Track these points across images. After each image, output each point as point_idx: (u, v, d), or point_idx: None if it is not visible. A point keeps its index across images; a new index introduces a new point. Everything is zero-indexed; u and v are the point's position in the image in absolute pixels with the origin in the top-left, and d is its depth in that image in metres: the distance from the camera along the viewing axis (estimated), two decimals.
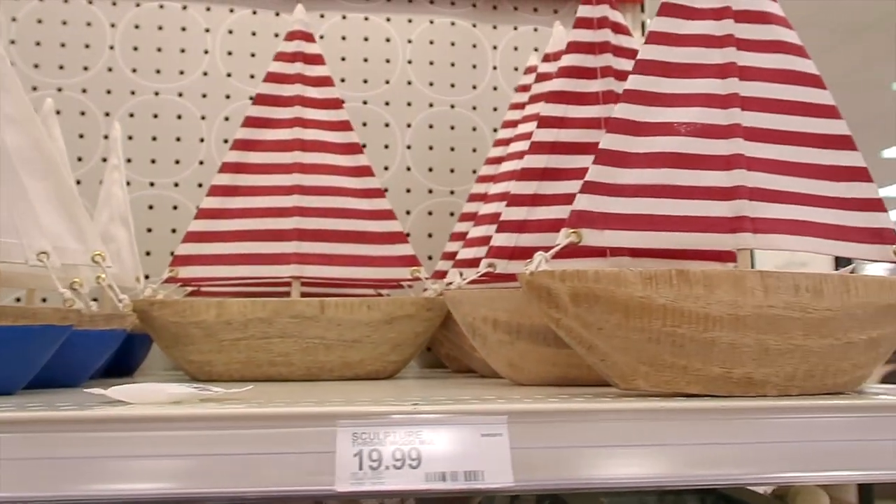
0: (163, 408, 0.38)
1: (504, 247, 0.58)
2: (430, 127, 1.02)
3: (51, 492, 0.34)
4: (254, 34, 1.00)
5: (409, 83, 1.02)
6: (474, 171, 0.93)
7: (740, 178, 0.48)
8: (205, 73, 0.99)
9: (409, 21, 1.03)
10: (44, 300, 0.78)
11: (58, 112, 0.75)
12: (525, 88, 0.84)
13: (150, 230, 0.94)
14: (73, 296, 0.52)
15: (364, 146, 0.78)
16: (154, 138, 0.97)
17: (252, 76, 0.99)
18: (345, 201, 0.71)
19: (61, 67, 0.95)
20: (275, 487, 0.36)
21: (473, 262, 0.62)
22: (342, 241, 0.70)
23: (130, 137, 0.95)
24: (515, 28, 1.05)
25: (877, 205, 0.51)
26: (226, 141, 0.95)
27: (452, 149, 1.02)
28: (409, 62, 1.02)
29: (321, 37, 1.00)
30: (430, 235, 0.99)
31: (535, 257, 0.45)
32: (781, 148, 0.50)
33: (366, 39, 1.02)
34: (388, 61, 1.02)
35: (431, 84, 1.03)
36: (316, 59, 0.75)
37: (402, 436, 0.38)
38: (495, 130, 0.95)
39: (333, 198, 0.71)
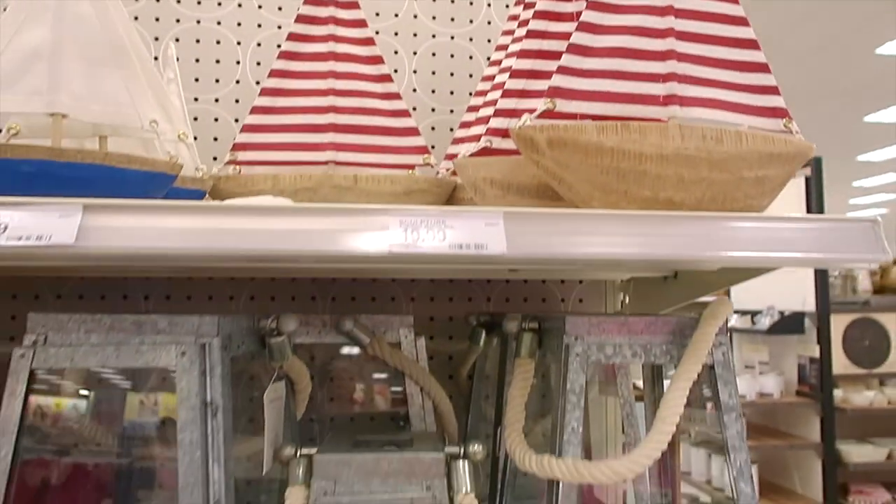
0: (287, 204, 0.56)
1: (499, 128, 0.76)
2: (433, 55, 1.19)
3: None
4: None
5: (415, 17, 1.19)
6: (470, 94, 1.10)
7: (672, 67, 0.66)
8: (239, 5, 1.14)
9: None
10: None
11: None
12: (514, 18, 1.01)
13: (195, 138, 1.10)
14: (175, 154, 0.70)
15: None
16: (197, 60, 1.13)
17: (280, 8, 1.14)
18: (369, 102, 0.88)
19: None
20: (353, 249, 0.54)
21: (476, 138, 0.80)
22: (367, 134, 0.88)
23: (177, 59, 1.11)
24: None
25: (774, 90, 0.69)
26: (259, 63, 1.12)
27: (452, 74, 1.19)
28: None
29: None
30: (433, 147, 1.16)
31: (522, 117, 0.63)
32: (704, 46, 0.68)
33: None
34: None
35: (434, 18, 1.19)
36: None
37: (432, 223, 0.56)
38: (489, 59, 1.12)
39: (360, 99, 0.88)
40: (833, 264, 0.61)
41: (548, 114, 0.64)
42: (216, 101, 1.13)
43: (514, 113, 0.76)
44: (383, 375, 0.96)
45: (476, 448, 0.63)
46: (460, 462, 0.62)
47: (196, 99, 1.13)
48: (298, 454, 0.62)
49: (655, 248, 0.58)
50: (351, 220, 0.55)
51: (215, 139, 1.12)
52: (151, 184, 0.67)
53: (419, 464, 0.59)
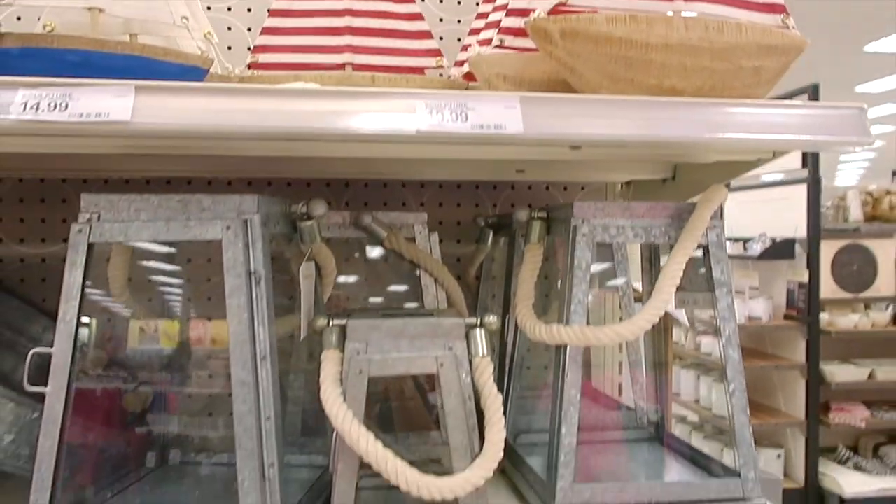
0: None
1: (511, 27, 0.80)
2: None
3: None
4: None
5: None
6: (477, 3, 1.12)
7: None
8: None
9: None
10: None
11: None
12: None
13: None
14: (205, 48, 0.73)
15: None
16: None
17: None
18: (384, 5, 0.91)
19: None
20: (383, 129, 0.59)
21: (488, 42, 0.84)
22: (383, 37, 0.91)
23: None
24: None
25: None
26: None
27: None
28: None
29: None
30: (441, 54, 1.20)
31: (536, 10, 0.67)
32: None
33: None
34: None
35: None
36: None
37: (455, 105, 0.61)
38: None
39: (375, 2, 0.91)
40: (822, 147, 0.66)
41: (559, 8, 0.68)
42: (229, 9, 1.15)
43: (526, 12, 0.80)
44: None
45: (491, 319, 0.69)
46: (477, 330, 0.68)
47: (209, 8, 1.15)
48: (331, 323, 0.69)
49: (659, 130, 0.63)
50: (381, 102, 0.60)
51: (229, 48, 1.14)
52: (185, 76, 0.71)
53: (441, 327, 0.66)
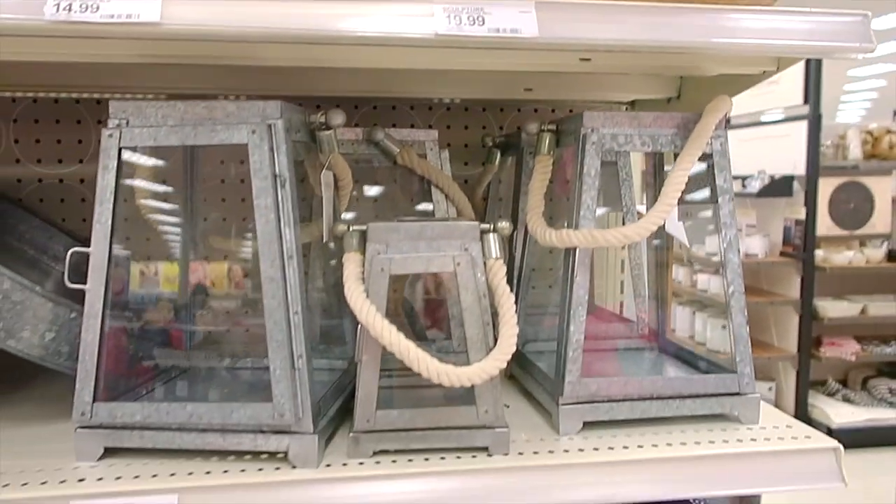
0: None
1: None
2: None
3: None
4: None
5: None
6: None
7: None
8: None
9: None
10: None
11: None
12: None
13: None
14: None
15: None
16: None
17: None
18: None
19: None
20: (403, 32, 0.61)
21: None
22: None
23: None
24: None
25: None
26: None
27: None
28: None
29: None
30: None
31: None
32: None
33: None
34: None
35: None
36: None
37: (472, 10, 0.63)
38: None
39: None
40: (827, 53, 0.68)
41: None
42: None
43: None
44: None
45: (504, 224, 0.72)
46: (491, 234, 0.72)
47: None
48: (351, 228, 0.72)
49: (668, 35, 0.65)
50: (401, 6, 0.61)
51: None
52: None
53: (458, 229, 0.69)
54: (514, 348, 0.68)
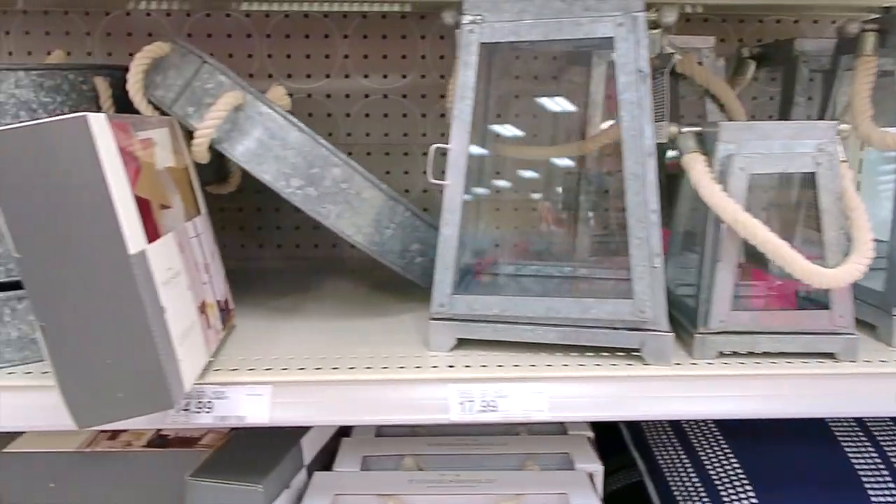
0: None
1: None
2: None
3: None
4: None
5: None
6: None
7: None
8: None
9: None
10: None
11: None
12: None
13: None
14: None
15: None
16: None
17: None
18: None
19: None
20: None
21: None
22: None
23: None
24: None
25: None
26: None
27: None
28: None
29: None
30: None
31: None
32: None
33: None
34: None
35: None
36: None
37: None
38: None
39: None
40: None
41: None
42: None
43: None
44: None
45: (845, 126, 0.69)
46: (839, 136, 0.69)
47: None
48: (683, 130, 0.71)
49: None
50: None
51: None
52: None
53: (816, 129, 0.67)
54: (871, 252, 0.66)
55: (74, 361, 0.52)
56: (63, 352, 0.52)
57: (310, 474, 0.80)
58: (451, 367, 0.67)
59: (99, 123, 0.51)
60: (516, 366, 0.67)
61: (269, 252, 1.20)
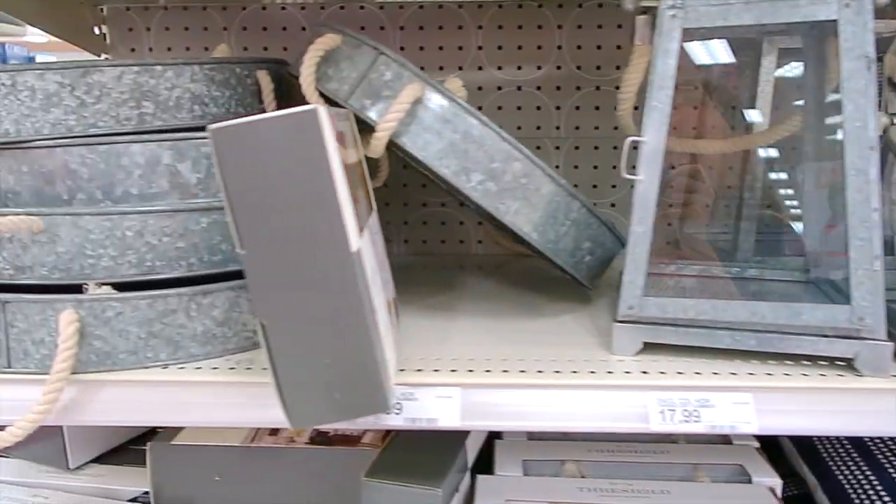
0: None
1: None
2: None
3: None
4: None
5: None
6: None
7: None
8: None
9: None
10: None
11: None
12: None
13: None
14: None
15: None
16: None
17: None
18: None
19: None
20: None
21: None
22: None
23: None
24: None
25: None
26: None
27: None
28: None
29: None
30: None
31: None
32: None
33: None
34: None
35: None
36: None
37: None
38: None
39: None
40: None
41: None
42: None
43: None
44: None
45: None
46: None
47: None
48: None
49: None
50: None
51: None
52: None
53: None
54: None
55: (294, 360, 0.51)
56: (283, 350, 0.50)
57: (472, 478, 0.78)
58: (644, 373, 0.64)
59: (326, 117, 0.49)
60: (715, 373, 0.63)
61: (397, 248, 1.19)
